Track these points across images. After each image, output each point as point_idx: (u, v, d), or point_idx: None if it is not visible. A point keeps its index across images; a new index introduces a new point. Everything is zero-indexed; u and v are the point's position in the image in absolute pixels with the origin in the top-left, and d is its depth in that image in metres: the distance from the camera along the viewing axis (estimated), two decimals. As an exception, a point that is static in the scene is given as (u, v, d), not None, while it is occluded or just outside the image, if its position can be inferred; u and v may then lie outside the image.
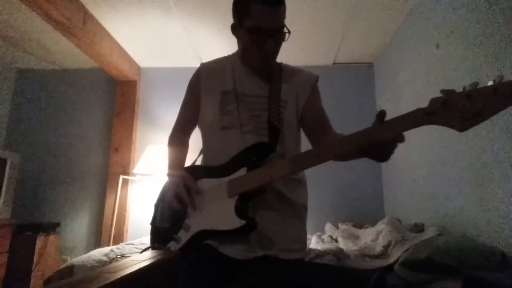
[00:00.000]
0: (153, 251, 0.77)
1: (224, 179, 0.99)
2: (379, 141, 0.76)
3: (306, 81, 1.15)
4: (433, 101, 0.72)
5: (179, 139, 1.24)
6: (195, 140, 1.31)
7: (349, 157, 0.98)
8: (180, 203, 1.02)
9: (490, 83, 0.66)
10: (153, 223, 1.12)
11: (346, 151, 0.82)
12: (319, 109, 1.16)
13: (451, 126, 0.70)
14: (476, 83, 0.68)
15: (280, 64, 1.17)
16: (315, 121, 1.13)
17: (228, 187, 0.97)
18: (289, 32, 1.02)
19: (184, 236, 1.00)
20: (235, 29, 1.08)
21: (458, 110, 0.68)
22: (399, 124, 0.75)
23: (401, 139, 0.76)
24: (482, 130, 1.35)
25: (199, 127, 1.20)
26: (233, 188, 0.96)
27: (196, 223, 1.00)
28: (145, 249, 1.11)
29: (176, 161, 1.19)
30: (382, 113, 0.77)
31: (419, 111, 0.73)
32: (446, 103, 0.70)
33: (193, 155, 1.29)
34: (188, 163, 1.22)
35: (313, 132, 1.14)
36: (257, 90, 1.09)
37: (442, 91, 0.71)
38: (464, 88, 0.69)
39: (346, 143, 0.82)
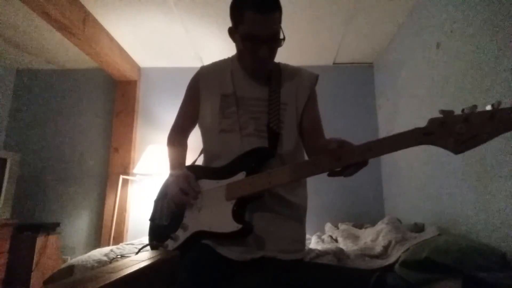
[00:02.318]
0: (153, 251, 0.77)
1: (223, 181, 1.00)
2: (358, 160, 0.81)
3: (306, 81, 1.15)
4: (432, 121, 0.73)
5: (177, 140, 1.25)
6: (195, 140, 1.31)
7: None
8: (181, 200, 1.03)
9: (488, 107, 0.67)
10: (152, 219, 1.14)
11: (346, 164, 0.83)
12: (315, 114, 1.16)
13: (446, 148, 0.71)
14: (475, 107, 0.69)
15: (278, 65, 1.17)
16: (310, 127, 1.13)
17: (226, 190, 0.98)
18: (284, 39, 1.01)
19: (181, 235, 1.01)
20: (232, 33, 1.07)
21: (455, 132, 0.69)
22: (398, 142, 0.77)
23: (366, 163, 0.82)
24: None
25: (199, 128, 1.20)
26: (232, 192, 0.97)
27: (193, 223, 1.01)
28: (143, 247, 1.12)
29: (178, 161, 1.20)
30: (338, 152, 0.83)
31: (417, 130, 0.75)
32: (444, 124, 0.71)
33: (193, 155, 1.29)
34: (188, 162, 1.23)
35: (307, 138, 1.13)
36: (257, 93, 1.09)
37: (441, 112, 0.72)
38: (462, 111, 0.70)
39: (344, 157, 0.83)
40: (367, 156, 0.80)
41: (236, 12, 1.00)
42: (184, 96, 1.21)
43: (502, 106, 0.67)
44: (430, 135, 0.73)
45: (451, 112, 0.71)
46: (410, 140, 0.76)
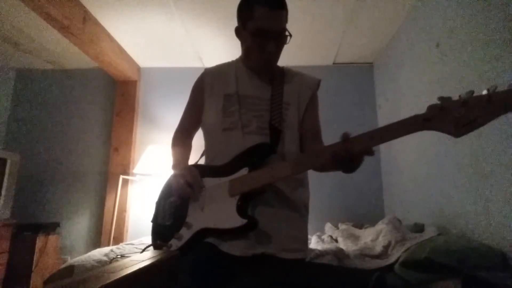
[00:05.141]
0: (153, 251, 0.77)
1: (226, 178, 1.01)
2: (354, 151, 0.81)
3: (308, 84, 1.17)
4: (431, 107, 0.75)
5: (182, 140, 1.27)
6: (196, 141, 1.32)
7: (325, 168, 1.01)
8: (186, 193, 1.04)
9: (484, 92, 0.68)
10: (155, 221, 1.14)
11: (347, 153, 0.82)
12: (314, 118, 1.17)
13: (447, 132, 0.73)
14: (472, 92, 0.70)
15: (282, 68, 1.20)
16: (308, 129, 1.14)
17: (229, 186, 0.99)
18: (290, 36, 1.05)
19: (186, 234, 1.01)
20: (239, 32, 1.11)
21: (454, 116, 0.71)
22: (399, 129, 0.77)
23: (371, 153, 0.81)
24: (482, 130, 1.35)
25: (202, 128, 1.22)
26: (235, 188, 0.98)
27: (197, 221, 1.01)
28: (148, 246, 1.13)
29: (181, 159, 1.22)
30: (345, 135, 0.83)
31: (417, 117, 0.76)
32: (442, 109, 0.73)
33: (195, 156, 1.30)
34: (190, 163, 1.23)
35: (304, 141, 1.14)
36: (260, 92, 1.11)
37: (439, 98, 0.74)
38: (460, 96, 0.72)
39: (347, 145, 0.82)
40: (369, 144, 0.81)
41: (245, 9, 1.04)
42: (189, 98, 1.24)
43: (498, 90, 0.68)
44: (429, 121, 0.74)
45: (449, 98, 0.73)
46: (411, 127, 0.77)
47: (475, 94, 0.70)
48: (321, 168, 1.04)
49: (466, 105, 0.70)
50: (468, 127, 0.70)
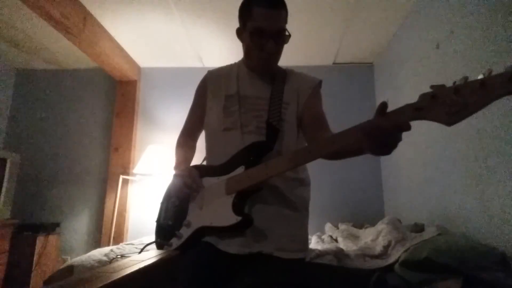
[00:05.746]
0: (153, 251, 0.77)
1: (223, 177, 1.02)
2: (379, 130, 0.73)
3: (308, 83, 1.17)
4: (422, 96, 0.72)
5: (186, 141, 1.28)
6: (200, 143, 1.33)
7: (345, 154, 0.95)
8: (185, 194, 1.06)
9: (479, 76, 0.64)
10: (158, 220, 1.16)
11: (340, 146, 0.80)
12: (317, 110, 1.15)
13: (438, 121, 0.69)
14: (466, 78, 0.66)
15: (285, 70, 1.21)
16: (311, 121, 1.12)
17: (226, 185, 1.00)
18: (290, 35, 1.06)
19: (185, 233, 1.03)
20: (239, 33, 1.12)
21: (446, 104, 0.67)
22: (388, 121, 0.74)
23: (408, 127, 0.72)
24: (482, 129, 1.36)
25: (204, 129, 1.23)
26: (231, 186, 0.99)
27: (196, 220, 1.03)
28: (147, 245, 1.15)
29: (182, 160, 1.22)
30: (384, 105, 0.74)
31: (408, 106, 0.73)
32: (434, 97, 0.69)
33: (201, 157, 1.30)
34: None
35: (309, 132, 1.12)
36: (260, 92, 1.12)
37: (431, 86, 0.71)
38: (454, 83, 0.68)
39: (341, 137, 0.80)
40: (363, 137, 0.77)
41: (245, 10, 1.06)
42: (193, 100, 1.26)
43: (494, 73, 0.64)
44: (421, 110, 0.71)
45: (442, 85, 0.70)
46: (403, 117, 0.74)
47: (469, 80, 0.66)
48: (333, 156, 1.00)
49: (458, 92, 0.66)
50: (460, 114, 0.65)
